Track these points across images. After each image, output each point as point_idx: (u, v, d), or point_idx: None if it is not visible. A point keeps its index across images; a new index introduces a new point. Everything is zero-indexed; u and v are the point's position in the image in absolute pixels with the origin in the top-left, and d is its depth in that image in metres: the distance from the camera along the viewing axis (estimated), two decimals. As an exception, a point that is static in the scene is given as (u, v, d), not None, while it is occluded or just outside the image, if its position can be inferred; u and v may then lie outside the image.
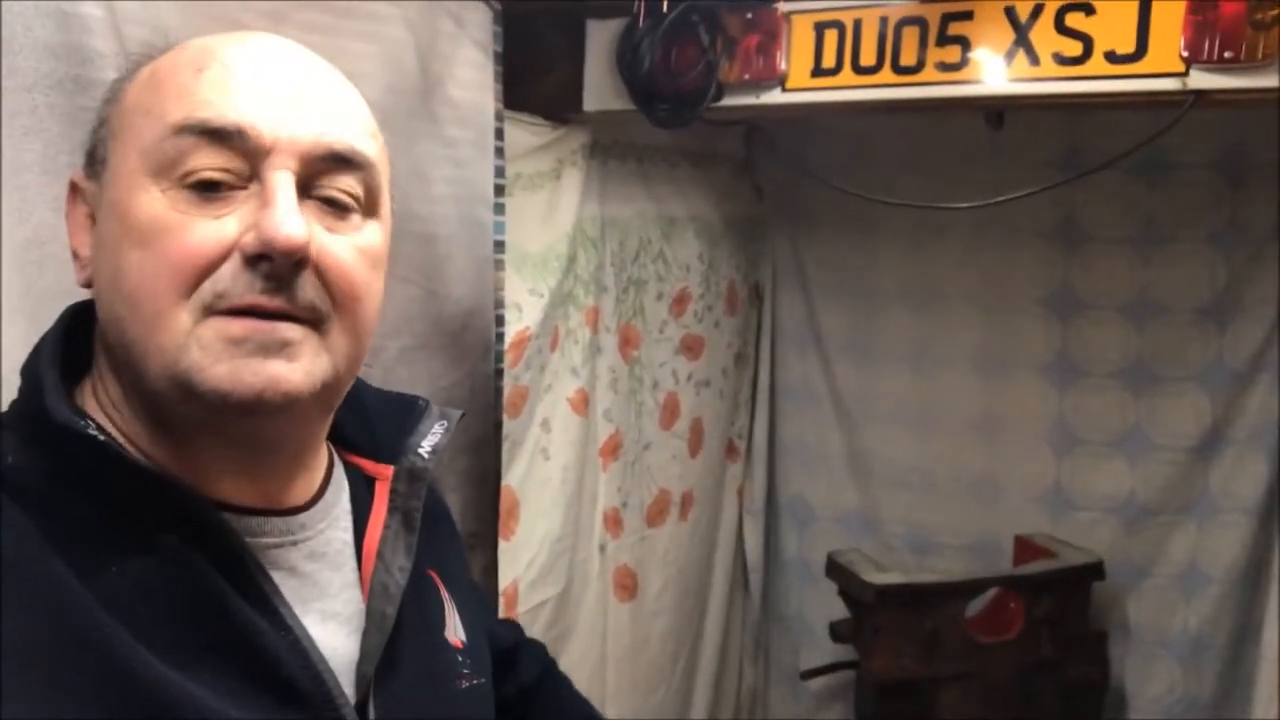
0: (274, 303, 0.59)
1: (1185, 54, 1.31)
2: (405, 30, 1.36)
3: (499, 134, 1.53)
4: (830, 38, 1.55)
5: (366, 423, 0.78)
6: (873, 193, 1.95)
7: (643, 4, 1.59)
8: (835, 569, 2.23)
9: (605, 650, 2.05)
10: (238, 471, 0.65)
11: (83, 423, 0.61)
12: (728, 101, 1.64)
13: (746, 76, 1.60)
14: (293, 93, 0.63)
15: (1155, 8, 1.33)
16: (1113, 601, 2.26)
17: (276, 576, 0.65)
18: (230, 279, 0.59)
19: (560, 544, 1.88)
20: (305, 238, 0.59)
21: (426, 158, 1.39)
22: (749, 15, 1.58)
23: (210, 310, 0.59)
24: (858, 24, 1.53)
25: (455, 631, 0.78)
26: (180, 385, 0.59)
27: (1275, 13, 1.23)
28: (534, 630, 1.81)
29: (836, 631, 2.25)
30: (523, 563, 1.77)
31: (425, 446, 0.77)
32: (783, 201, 2.50)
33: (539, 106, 1.76)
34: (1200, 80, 1.32)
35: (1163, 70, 1.34)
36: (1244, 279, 2.13)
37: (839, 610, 2.29)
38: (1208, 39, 1.27)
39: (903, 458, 2.45)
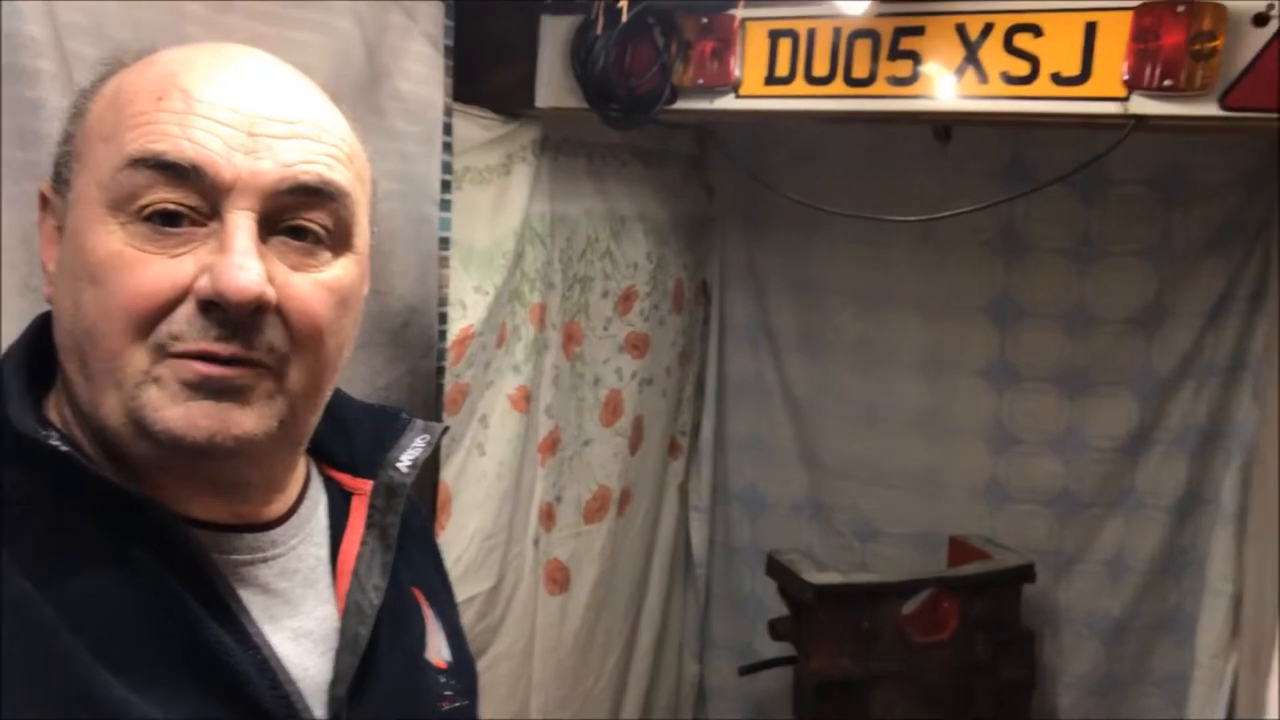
0: (227, 349, 0.58)
1: (1127, 79, 1.35)
2: (353, 22, 1.33)
3: (448, 129, 1.51)
4: (784, 46, 1.55)
5: (346, 436, 0.76)
6: (822, 195, 1.98)
7: (599, 3, 1.58)
8: (775, 568, 2.26)
9: (532, 643, 2.05)
10: (204, 491, 0.64)
11: (45, 433, 0.59)
12: (681, 105, 1.63)
13: (700, 81, 1.60)
14: (259, 124, 0.60)
15: (1100, 33, 1.36)
16: (1045, 588, 2.36)
17: (246, 594, 0.64)
18: (185, 323, 0.58)
19: (492, 539, 1.87)
20: (258, 289, 0.58)
21: (372, 152, 1.36)
22: (704, 20, 1.57)
23: (165, 352, 0.58)
24: (811, 34, 1.53)
25: (438, 652, 0.77)
26: (134, 423, 0.58)
27: (1213, 45, 1.26)
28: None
29: (775, 629, 2.28)
30: (451, 559, 1.75)
31: (405, 461, 0.75)
32: (734, 201, 2.52)
33: (490, 100, 1.74)
34: (1140, 105, 1.35)
35: (1105, 94, 1.37)
36: (1173, 291, 2.22)
37: (791, 595, 2.33)
38: (1149, 66, 1.31)
39: (851, 451, 2.52)
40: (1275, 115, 1.26)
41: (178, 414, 0.58)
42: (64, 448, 0.59)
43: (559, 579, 2.13)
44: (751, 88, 1.59)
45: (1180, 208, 2.16)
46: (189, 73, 0.60)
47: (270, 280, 0.59)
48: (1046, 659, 2.39)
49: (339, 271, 0.63)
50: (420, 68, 1.44)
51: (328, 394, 0.67)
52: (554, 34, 1.71)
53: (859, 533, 2.54)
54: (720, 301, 2.59)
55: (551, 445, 2.07)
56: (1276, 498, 1.87)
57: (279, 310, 0.60)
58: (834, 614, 2.15)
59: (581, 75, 1.66)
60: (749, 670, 2.47)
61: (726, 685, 2.70)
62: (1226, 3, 1.26)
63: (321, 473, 0.75)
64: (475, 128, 1.71)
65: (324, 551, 0.71)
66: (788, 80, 1.56)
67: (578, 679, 2.20)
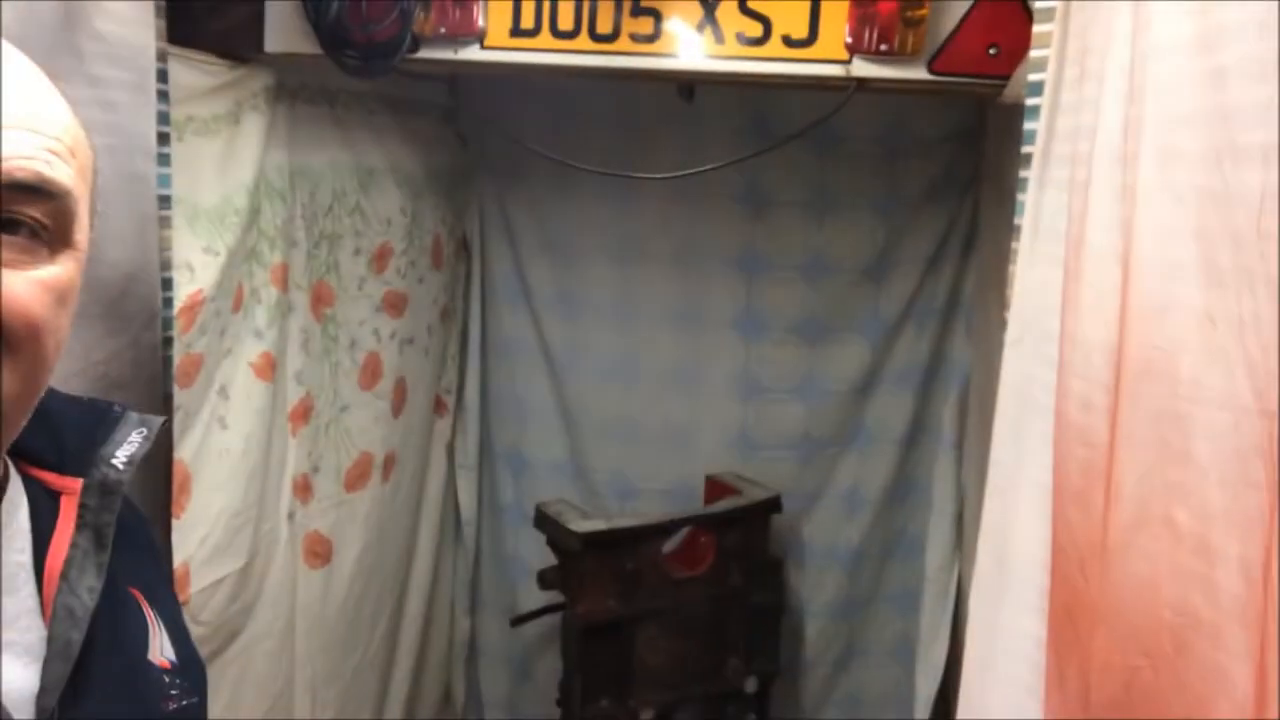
0: None
1: (849, 43, 1.43)
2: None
3: (163, 76, 1.37)
4: (529, -1, 1.52)
5: (51, 432, 0.71)
6: (574, 150, 1.98)
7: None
8: (543, 520, 2.29)
9: (294, 620, 1.96)
10: None
11: None
12: (424, 54, 1.57)
13: (443, 30, 1.54)
14: None
15: (825, -1, 1.43)
16: (790, 525, 2.53)
17: None
18: None
19: (240, 517, 1.76)
20: None
21: (70, 102, 1.21)
22: (444, -34, 1.52)
23: None
24: (556, -14, 1.51)
25: (162, 651, 0.75)
26: None
27: (922, 12, 1.37)
28: (210, 608, 1.70)
29: (544, 579, 2.32)
30: (195, 541, 1.63)
31: (120, 457, 0.72)
32: (488, 153, 2.47)
33: (213, 43, 1.60)
34: (861, 69, 1.45)
35: (831, 57, 1.45)
36: (897, 241, 2.42)
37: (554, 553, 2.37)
38: (867, 31, 1.39)
39: (608, 409, 2.56)
40: (974, 80, 1.39)
41: None
42: None
43: (320, 551, 2.05)
44: (497, 39, 1.56)
45: (902, 162, 2.34)
46: None
47: None
48: (794, 588, 2.57)
49: (58, 270, 0.60)
50: (125, 6, 1.29)
51: (40, 394, 0.63)
52: (282, -25, 1.59)
53: (618, 491, 2.59)
54: (481, 257, 2.55)
55: (304, 414, 1.96)
56: (989, 424, 2.10)
57: None
58: (599, 559, 2.21)
59: (315, 20, 1.55)
60: (520, 621, 2.51)
61: (496, 640, 2.72)
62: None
63: (22, 472, 0.70)
64: (196, 73, 1.56)
65: (26, 557, 0.67)
66: (534, 33, 1.54)
67: (345, 651, 2.14)
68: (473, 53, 1.57)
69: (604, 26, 1.51)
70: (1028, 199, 1.24)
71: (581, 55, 1.53)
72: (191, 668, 0.78)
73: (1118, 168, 1.01)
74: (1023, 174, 1.27)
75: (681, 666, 2.33)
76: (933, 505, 2.48)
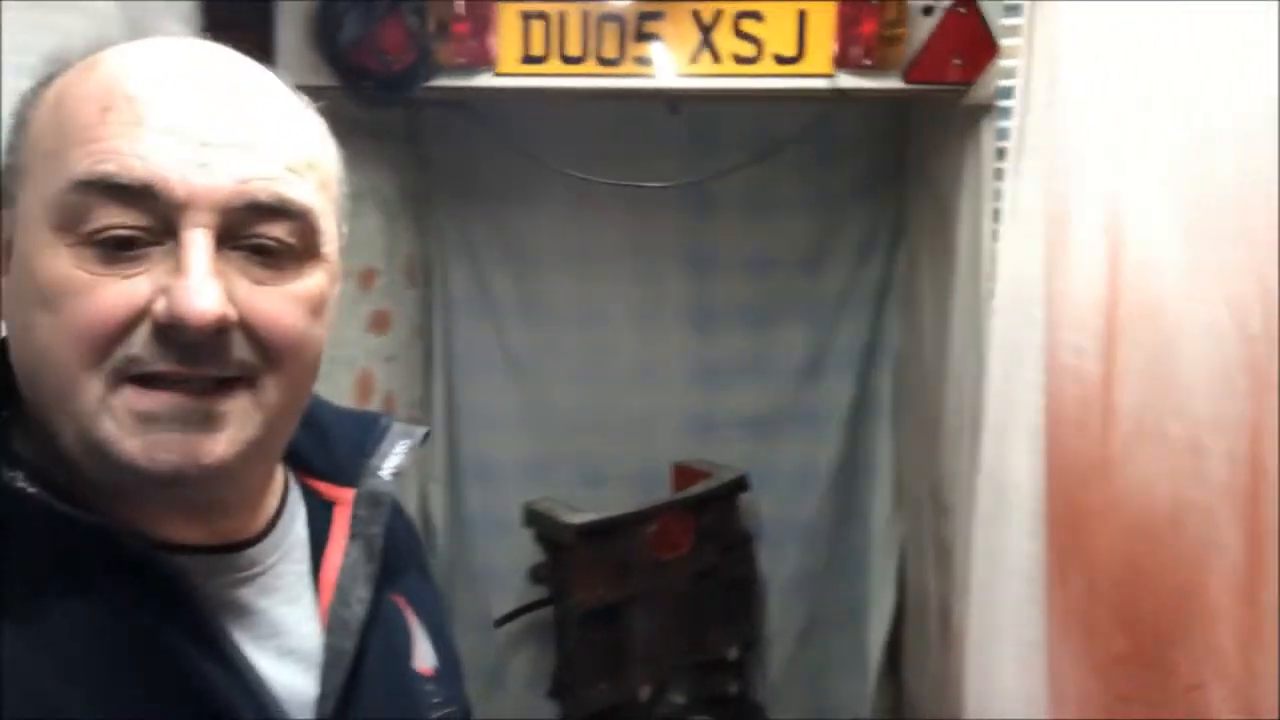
0: (191, 370, 0.55)
1: (835, 59, 1.63)
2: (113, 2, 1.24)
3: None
4: (537, 28, 1.65)
5: (325, 443, 0.73)
6: (533, 163, 2.08)
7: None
8: (533, 516, 2.40)
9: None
10: (178, 512, 0.61)
11: (10, 474, 0.56)
12: (440, 82, 1.67)
13: (460, 60, 1.65)
14: (212, 133, 0.56)
15: (810, 20, 1.63)
16: (751, 506, 2.70)
17: (227, 618, 0.62)
18: (142, 346, 0.54)
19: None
20: (218, 311, 0.54)
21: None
22: (462, 2, 1.63)
23: (123, 375, 0.55)
24: (563, 17, 1.65)
25: (425, 659, 0.75)
26: (94, 454, 0.55)
27: (900, 31, 1.58)
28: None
29: (537, 574, 2.43)
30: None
31: (387, 468, 0.73)
32: (448, 172, 2.55)
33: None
34: (846, 81, 1.65)
35: (817, 71, 1.65)
36: (829, 233, 2.64)
37: (526, 558, 2.47)
38: (852, 49, 1.60)
39: (572, 407, 2.67)
40: (942, 87, 1.61)
41: (135, 447, 0.54)
42: (29, 487, 0.55)
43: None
44: (508, 66, 1.68)
45: (833, 160, 2.56)
46: (136, 77, 0.56)
47: (231, 298, 0.55)
48: (758, 563, 2.72)
49: (308, 282, 0.60)
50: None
51: (304, 406, 0.65)
52: (292, 10, 1.66)
53: (586, 481, 2.69)
54: (442, 273, 2.63)
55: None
56: (922, 393, 2.35)
57: (245, 327, 0.57)
58: (592, 549, 2.34)
59: (330, 53, 1.64)
60: (505, 620, 2.58)
61: (468, 651, 2.71)
62: (904, -4, 1.58)
63: (299, 482, 0.72)
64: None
65: (304, 567, 0.68)
66: (543, 60, 1.67)
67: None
68: (486, 80, 1.68)
69: (609, 51, 1.66)
70: (1006, 186, 1.46)
71: (589, 78, 1.67)
72: (454, 676, 0.78)
73: (1101, 153, 1.24)
74: (998, 165, 1.50)
75: (669, 643, 2.47)
76: (875, 472, 2.72)
